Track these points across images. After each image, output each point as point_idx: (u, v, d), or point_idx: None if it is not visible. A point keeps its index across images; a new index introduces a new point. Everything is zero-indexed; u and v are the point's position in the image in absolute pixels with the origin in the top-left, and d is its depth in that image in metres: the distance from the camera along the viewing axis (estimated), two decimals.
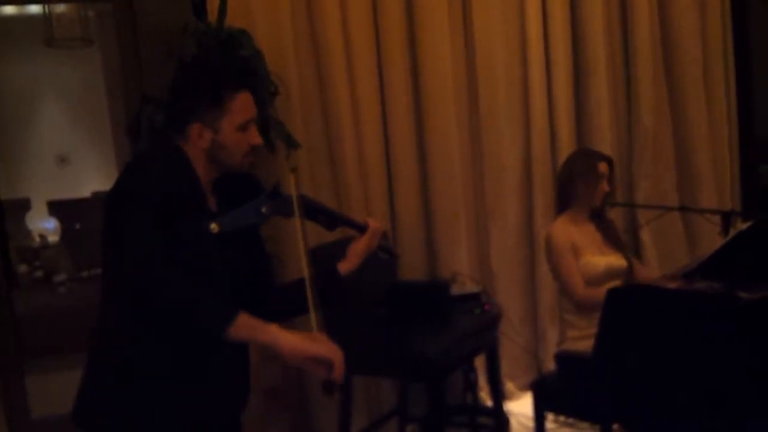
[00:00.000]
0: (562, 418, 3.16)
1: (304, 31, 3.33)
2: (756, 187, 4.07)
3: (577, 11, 3.69)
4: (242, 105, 1.65)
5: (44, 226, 7.89)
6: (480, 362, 3.37)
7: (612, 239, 2.90)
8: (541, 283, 3.66)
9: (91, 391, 1.65)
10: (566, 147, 3.65)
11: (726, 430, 1.81)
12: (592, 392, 2.26)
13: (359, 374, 3.10)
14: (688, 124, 3.85)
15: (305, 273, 1.59)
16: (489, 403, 3.44)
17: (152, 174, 1.56)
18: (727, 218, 2.67)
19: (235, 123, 1.64)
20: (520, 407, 3.51)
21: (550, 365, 3.38)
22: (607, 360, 2.09)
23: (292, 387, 3.34)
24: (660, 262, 3.76)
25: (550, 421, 3.08)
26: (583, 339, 2.64)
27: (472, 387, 3.36)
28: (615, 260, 2.82)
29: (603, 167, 2.83)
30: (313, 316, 1.55)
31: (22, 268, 6.82)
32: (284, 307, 1.75)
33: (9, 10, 7.55)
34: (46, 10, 5.70)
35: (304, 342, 1.48)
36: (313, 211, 1.76)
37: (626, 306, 2.04)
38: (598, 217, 2.91)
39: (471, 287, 3.14)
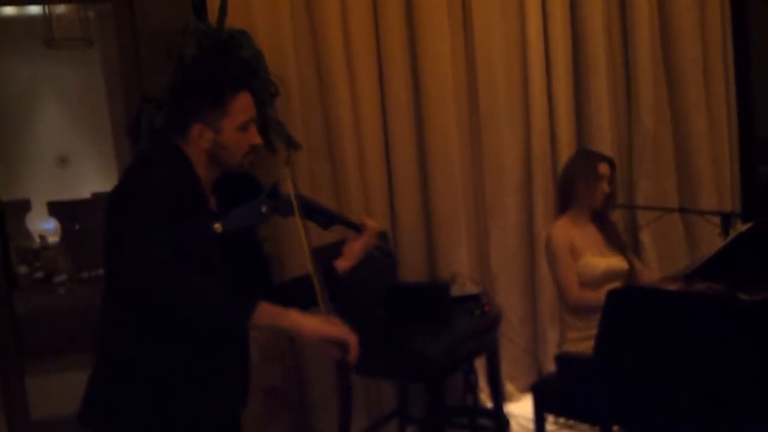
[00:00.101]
0: (562, 420, 3.15)
1: (304, 31, 3.33)
2: (756, 188, 4.07)
3: (577, 11, 3.69)
4: (243, 105, 1.67)
5: (44, 226, 7.91)
6: (480, 363, 3.37)
7: (614, 241, 2.89)
8: (541, 284, 3.66)
9: (94, 391, 1.66)
10: (566, 147, 3.65)
11: (726, 431, 1.81)
12: (592, 394, 2.26)
13: (359, 375, 3.10)
14: (688, 125, 3.85)
15: (310, 265, 1.62)
16: (489, 404, 3.44)
17: (153, 175, 1.56)
18: (727, 220, 2.66)
19: (235, 123, 1.65)
20: (520, 409, 3.51)
21: (551, 367, 3.38)
22: (608, 361, 2.09)
23: (292, 387, 3.34)
24: (660, 263, 3.76)
25: (550, 423, 3.08)
26: (583, 340, 2.64)
27: (472, 388, 3.36)
28: (616, 262, 2.82)
29: (603, 168, 2.83)
30: (322, 304, 1.59)
31: (23, 269, 6.83)
32: (290, 303, 1.76)
33: (9, 10, 7.57)
34: (46, 11, 5.71)
35: (322, 325, 1.53)
36: (310, 211, 1.77)
37: (626, 307, 2.04)
38: (599, 219, 2.91)
39: (471, 288, 3.14)
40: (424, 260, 3.58)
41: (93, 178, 8.38)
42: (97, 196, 7.38)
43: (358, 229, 1.84)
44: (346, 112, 3.37)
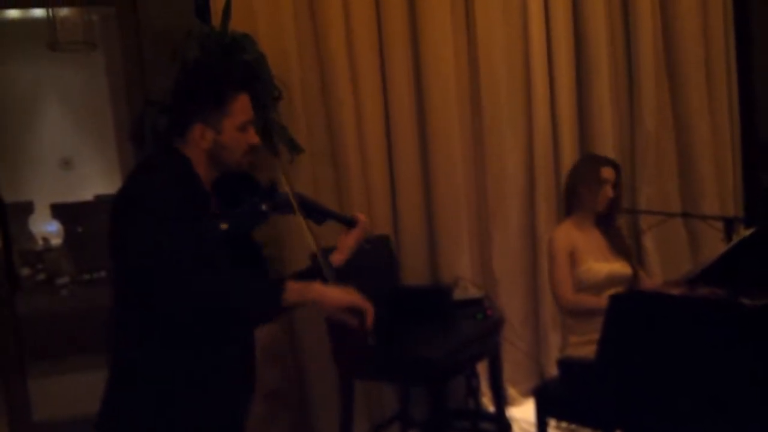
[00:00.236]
0: (564, 425, 3.15)
1: (307, 35, 3.34)
2: (758, 193, 4.06)
3: (579, 13, 3.69)
4: (243, 106, 1.69)
5: (47, 229, 7.91)
6: (482, 367, 3.37)
7: (618, 246, 2.89)
8: (543, 288, 3.65)
9: (105, 395, 1.67)
10: (569, 151, 3.65)
11: None
12: (594, 398, 2.25)
13: (361, 379, 3.10)
14: (690, 129, 3.85)
15: (313, 244, 1.70)
16: (491, 408, 3.44)
17: (158, 180, 1.57)
18: (729, 224, 2.66)
19: (236, 123, 1.68)
20: (522, 413, 3.50)
21: (553, 371, 3.37)
22: (610, 366, 2.09)
23: (293, 388, 3.34)
24: (662, 268, 3.75)
25: (553, 428, 3.07)
26: (585, 345, 2.64)
27: (474, 392, 3.36)
28: (619, 268, 2.82)
29: (607, 172, 2.83)
30: (330, 277, 1.68)
31: (25, 271, 6.83)
32: None
33: (13, 13, 7.59)
34: (50, 14, 5.71)
35: (342, 293, 1.59)
36: (305, 207, 1.82)
37: (629, 312, 2.04)
38: (604, 223, 2.91)
39: (473, 292, 3.14)
40: (427, 264, 3.58)
41: (96, 181, 8.39)
42: (100, 199, 7.38)
43: (349, 223, 1.92)
44: (348, 115, 3.37)
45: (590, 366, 2.29)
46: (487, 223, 3.69)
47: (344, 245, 1.90)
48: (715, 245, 2.90)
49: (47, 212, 7.44)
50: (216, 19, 3.05)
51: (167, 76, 2.85)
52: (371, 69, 3.44)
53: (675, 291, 2.30)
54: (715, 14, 3.86)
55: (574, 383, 2.61)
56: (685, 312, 1.93)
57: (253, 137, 1.72)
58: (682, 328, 1.90)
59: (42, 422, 3.48)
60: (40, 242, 7.67)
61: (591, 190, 2.82)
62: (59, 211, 7.20)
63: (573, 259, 2.79)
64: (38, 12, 6.72)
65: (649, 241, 3.77)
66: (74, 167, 8.88)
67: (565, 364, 2.72)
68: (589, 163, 2.91)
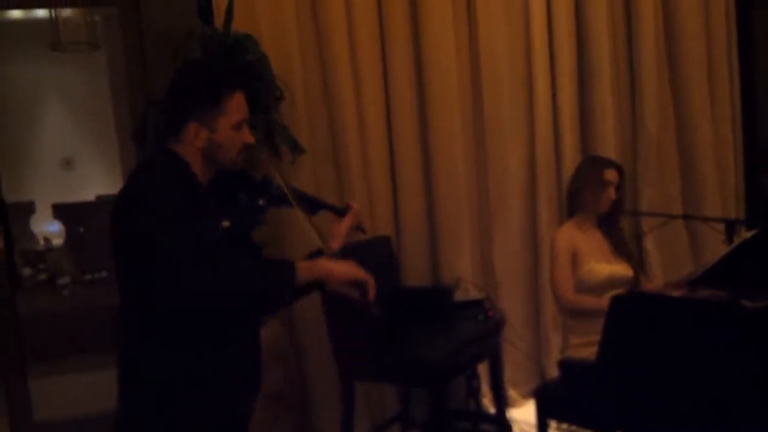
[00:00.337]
0: (564, 426, 3.14)
1: (309, 36, 3.34)
2: (760, 195, 4.06)
3: (582, 14, 3.70)
4: (238, 105, 1.69)
5: (48, 229, 7.92)
6: (483, 369, 3.37)
7: (620, 248, 2.90)
8: (544, 290, 3.65)
9: (118, 394, 1.67)
10: (570, 152, 3.65)
11: None
12: (595, 400, 2.25)
13: (361, 379, 3.10)
14: (692, 131, 3.85)
15: (305, 221, 1.77)
16: (491, 409, 3.43)
17: (158, 180, 1.57)
18: (731, 226, 2.66)
19: (231, 122, 1.67)
20: (523, 414, 3.50)
21: (554, 372, 3.37)
22: (611, 367, 2.09)
23: (294, 389, 3.34)
24: (664, 269, 3.76)
25: (553, 429, 3.07)
26: (586, 346, 2.64)
27: (474, 393, 3.36)
28: (620, 269, 2.82)
29: (610, 174, 2.83)
30: (327, 251, 1.76)
31: (26, 271, 6.84)
32: None
33: (15, 14, 7.60)
34: (53, 14, 5.72)
35: (346, 266, 1.67)
36: (298, 198, 1.84)
37: (630, 313, 2.04)
38: (606, 225, 2.91)
39: (474, 293, 3.14)
40: (428, 264, 3.58)
41: (97, 181, 8.39)
42: (101, 199, 7.38)
43: (342, 213, 1.96)
44: (350, 116, 3.38)
45: (591, 367, 2.29)
46: (488, 224, 3.69)
47: (338, 232, 1.92)
48: (716, 247, 2.91)
49: (48, 212, 7.44)
50: (218, 20, 3.06)
51: (169, 76, 2.84)
52: (373, 70, 3.45)
53: (676, 293, 2.29)
54: (717, 15, 3.86)
55: (574, 384, 2.61)
56: (686, 314, 1.93)
57: (248, 136, 1.71)
58: (683, 329, 1.90)
59: (43, 422, 3.48)
60: (42, 242, 7.67)
61: (594, 192, 2.83)
62: (60, 211, 7.21)
63: (574, 260, 2.79)
64: (40, 12, 6.73)
65: (650, 243, 3.77)
66: (75, 167, 8.89)
67: (565, 365, 2.72)
68: (593, 164, 2.92)
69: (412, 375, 2.75)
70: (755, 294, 1.87)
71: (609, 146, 3.67)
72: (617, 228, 2.95)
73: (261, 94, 2.89)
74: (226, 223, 1.62)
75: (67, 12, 5.86)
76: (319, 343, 3.12)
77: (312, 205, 1.92)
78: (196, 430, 1.65)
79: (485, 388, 3.49)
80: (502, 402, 3.16)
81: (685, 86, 3.84)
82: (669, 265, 3.77)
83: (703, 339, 1.87)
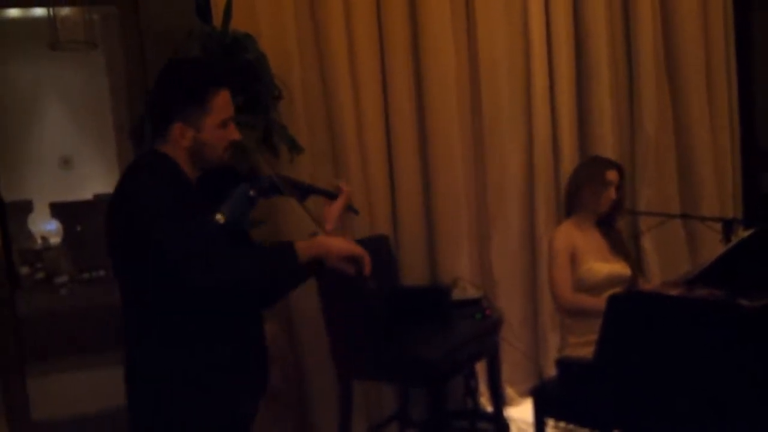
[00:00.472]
0: (562, 425, 3.15)
1: (308, 35, 3.34)
2: (757, 195, 4.07)
3: (580, 16, 3.70)
4: (223, 103, 1.68)
5: (46, 228, 7.92)
6: (480, 367, 3.37)
7: (618, 247, 2.91)
8: (542, 289, 3.66)
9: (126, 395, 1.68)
10: (568, 153, 3.66)
11: None
12: (593, 399, 2.26)
13: (359, 379, 3.10)
14: (690, 132, 3.85)
15: (298, 207, 1.80)
16: (489, 408, 3.44)
17: (149, 177, 1.58)
18: (728, 226, 2.67)
19: (216, 120, 1.66)
20: (521, 413, 3.50)
21: (551, 371, 3.38)
22: (609, 366, 2.09)
23: (292, 389, 3.34)
24: (661, 269, 3.76)
25: (551, 428, 3.07)
26: (583, 345, 2.64)
27: (472, 392, 3.36)
28: (619, 268, 2.83)
29: (611, 175, 2.84)
30: (320, 229, 1.79)
31: (24, 270, 6.84)
32: None
33: (14, 12, 7.59)
34: (51, 13, 5.71)
35: (343, 242, 1.68)
36: (288, 187, 1.85)
37: (627, 312, 2.05)
38: (605, 225, 2.92)
39: (472, 292, 3.15)
40: (426, 264, 3.59)
41: (95, 180, 8.40)
42: (99, 198, 7.39)
43: (333, 196, 1.97)
44: (349, 115, 3.38)
45: (589, 366, 2.30)
46: (486, 223, 3.70)
47: (330, 215, 1.94)
48: (713, 247, 2.91)
49: (46, 211, 7.44)
50: (217, 19, 3.05)
51: None
52: (372, 69, 3.45)
53: (673, 292, 2.30)
54: (716, 17, 3.87)
55: (572, 383, 2.61)
56: (683, 313, 1.94)
57: (234, 133, 1.71)
58: (681, 328, 1.91)
59: (41, 421, 3.47)
60: (40, 241, 7.68)
61: (595, 192, 2.84)
62: (58, 210, 7.20)
63: (573, 259, 2.80)
64: (39, 11, 6.72)
65: (648, 242, 3.78)
66: (74, 166, 8.89)
67: (563, 364, 2.72)
68: (594, 165, 2.92)
69: (411, 374, 2.75)
70: (752, 293, 1.88)
71: (607, 147, 3.67)
72: (615, 227, 2.96)
73: (259, 94, 2.89)
74: (221, 218, 1.62)
75: (65, 11, 5.85)
76: (317, 342, 3.12)
77: (302, 191, 1.93)
78: (194, 430, 1.64)
79: (483, 387, 3.49)
80: (499, 401, 3.17)
81: (684, 88, 3.84)
82: (666, 264, 3.78)
83: (700, 338, 1.88)
